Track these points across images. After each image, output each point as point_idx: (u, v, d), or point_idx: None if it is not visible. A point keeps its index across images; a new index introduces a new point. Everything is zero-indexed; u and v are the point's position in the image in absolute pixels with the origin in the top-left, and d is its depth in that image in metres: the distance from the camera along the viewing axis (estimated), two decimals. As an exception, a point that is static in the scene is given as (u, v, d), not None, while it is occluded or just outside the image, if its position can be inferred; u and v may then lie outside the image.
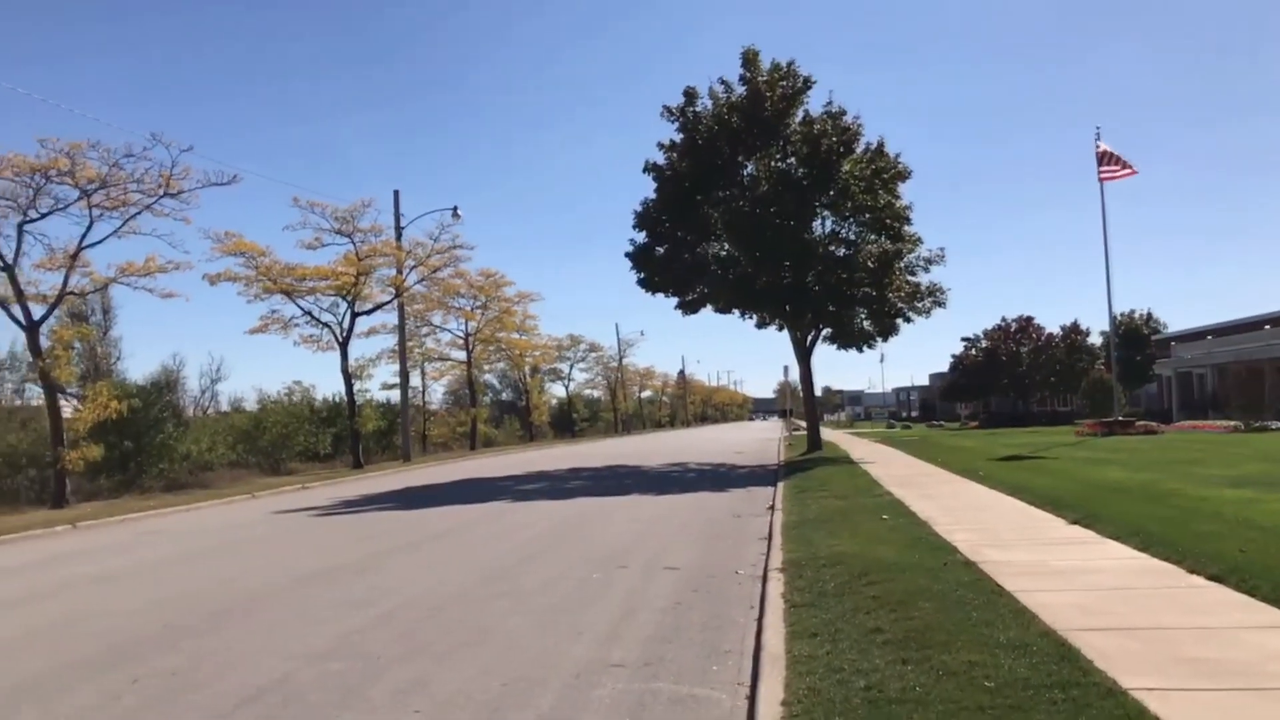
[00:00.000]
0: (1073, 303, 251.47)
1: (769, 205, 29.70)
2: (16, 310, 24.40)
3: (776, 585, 9.06)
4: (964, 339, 76.10)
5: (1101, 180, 36.49)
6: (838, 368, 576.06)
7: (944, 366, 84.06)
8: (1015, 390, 72.41)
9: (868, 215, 30.92)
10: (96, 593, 10.98)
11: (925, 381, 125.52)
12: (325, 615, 8.92)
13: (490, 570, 11.30)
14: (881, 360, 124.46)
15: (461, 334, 57.40)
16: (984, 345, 73.01)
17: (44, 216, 24.55)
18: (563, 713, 5.76)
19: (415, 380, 55.08)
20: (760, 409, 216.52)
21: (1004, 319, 73.42)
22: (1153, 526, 10.67)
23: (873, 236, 31.33)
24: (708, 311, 34.78)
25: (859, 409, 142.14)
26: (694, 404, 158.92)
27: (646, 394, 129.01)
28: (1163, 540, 9.73)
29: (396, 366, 44.53)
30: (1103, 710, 4.80)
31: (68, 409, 26.26)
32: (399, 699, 6.13)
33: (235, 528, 17.97)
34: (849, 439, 49.32)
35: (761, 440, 56.53)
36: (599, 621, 8.21)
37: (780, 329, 35.35)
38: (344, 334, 38.72)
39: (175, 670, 7.04)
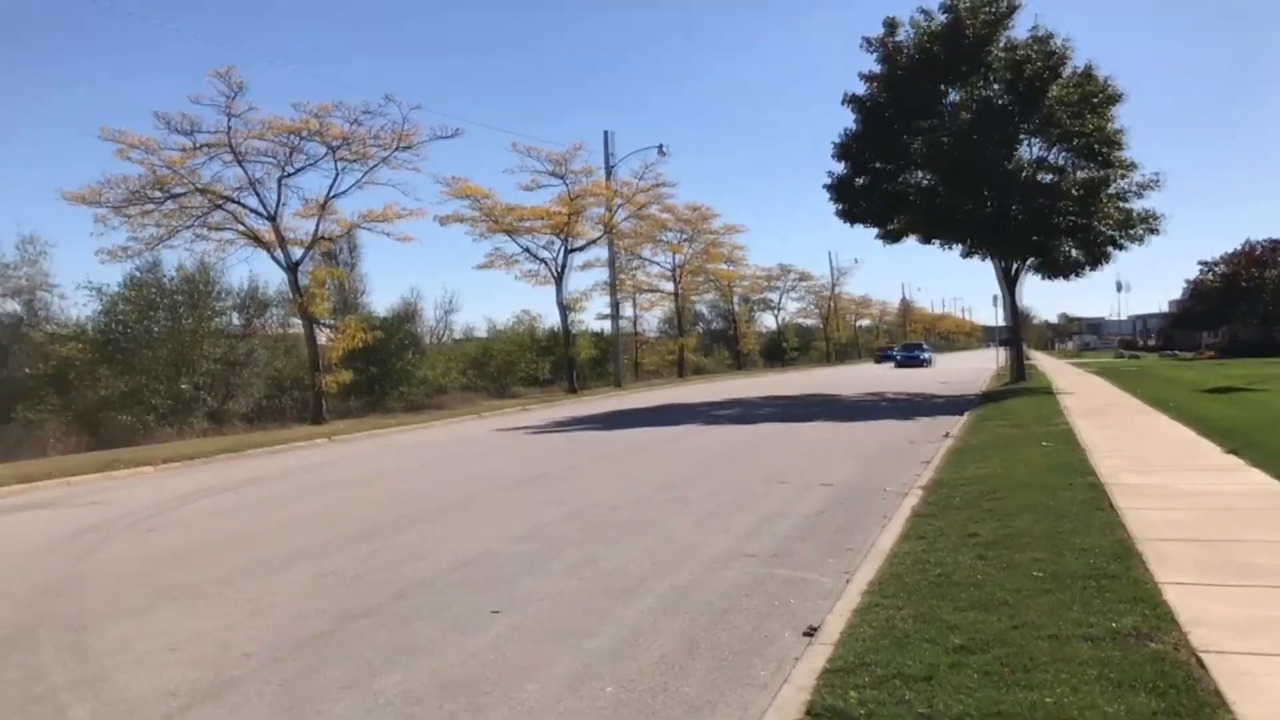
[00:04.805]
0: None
1: (971, 134, 29.43)
2: (279, 254, 28.19)
3: (914, 500, 10.17)
4: (1201, 263, 71.09)
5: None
6: (1079, 293, 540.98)
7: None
8: (1260, 318, 67.16)
9: (1075, 141, 30.02)
10: (351, 490, 13.54)
11: (1167, 309, 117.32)
12: (525, 510, 10.83)
13: (667, 480, 12.94)
14: (1118, 289, 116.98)
15: (670, 266, 59.42)
16: (1221, 271, 67.96)
17: (299, 171, 28.23)
18: (693, 584, 7.25)
19: (627, 311, 57.68)
20: (992, 337, 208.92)
21: (1248, 241, 68.01)
22: (1301, 457, 10.92)
23: (1081, 163, 30.40)
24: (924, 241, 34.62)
25: (1091, 338, 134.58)
26: (915, 332, 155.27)
27: (864, 322, 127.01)
28: (1303, 469, 10.07)
29: (609, 298, 47.11)
30: (1118, 593, 5.77)
31: (322, 338, 30.16)
32: (571, 570, 7.81)
33: (462, 442, 20.61)
34: (1065, 369, 47.99)
35: (974, 370, 55.53)
36: (747, 523, 9.63)
37: (984, 259, 34.94)
38: (559, 269, 41.46)
39: (406, 545, 9.09)
